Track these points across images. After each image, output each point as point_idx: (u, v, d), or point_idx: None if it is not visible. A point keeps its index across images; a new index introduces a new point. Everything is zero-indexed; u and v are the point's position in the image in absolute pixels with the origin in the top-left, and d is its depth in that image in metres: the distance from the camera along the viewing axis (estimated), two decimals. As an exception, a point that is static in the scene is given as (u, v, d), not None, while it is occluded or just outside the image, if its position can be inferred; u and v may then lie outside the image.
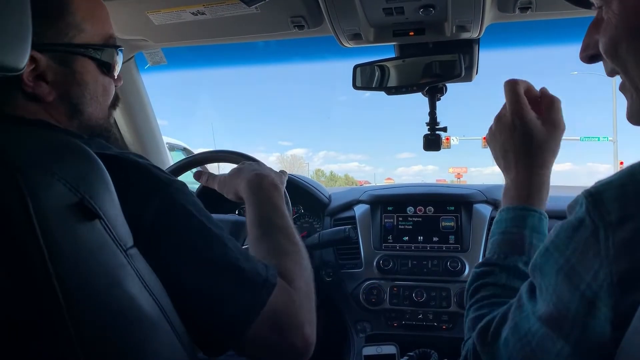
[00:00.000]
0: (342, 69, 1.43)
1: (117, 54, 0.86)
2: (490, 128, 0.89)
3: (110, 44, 0.84)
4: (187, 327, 0.70)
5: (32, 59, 0.73)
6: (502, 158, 0.87)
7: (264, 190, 1.00)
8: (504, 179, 0.88)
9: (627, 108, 0.63)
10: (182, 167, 1.54)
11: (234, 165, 1.56)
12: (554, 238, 0.58)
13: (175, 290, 0.70)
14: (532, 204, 0.83)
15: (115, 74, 0.87)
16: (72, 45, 0.78)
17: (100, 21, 0.82)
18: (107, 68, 0.84)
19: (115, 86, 0.89)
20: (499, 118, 0.87)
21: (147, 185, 0.71)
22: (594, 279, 0.51)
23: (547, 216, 0.83)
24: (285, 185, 1.12)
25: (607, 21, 0.60)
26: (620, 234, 0.49)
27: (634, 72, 0.59)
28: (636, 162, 0.52)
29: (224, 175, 1.12)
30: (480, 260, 0.84)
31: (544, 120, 0.84)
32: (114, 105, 0.90)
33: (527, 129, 0.82)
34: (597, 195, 0.52)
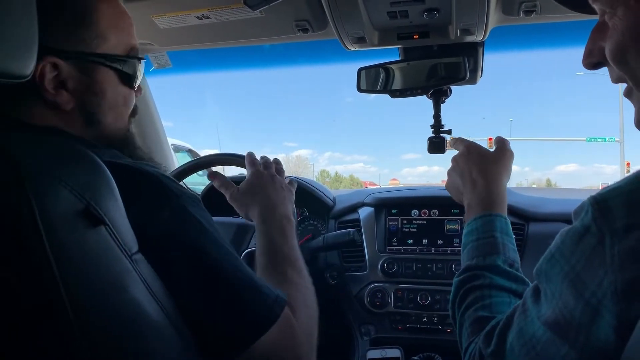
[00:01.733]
0: (348, 70, 1.43)
1: (139, 65, 0.85)
2: (448, 172, 1.04)
3: (132, 56, 0.83)
4: (193, 332, 0.70)
5: (55, 66, 0.73)
6: (461, 180, 0.99)
7: (276, 221, 1.00)
8: (465, 201, 0.98)
9: (635, 115, 0.62)
10: (187, 169, 1.55)
11: (240, 169, 1.56)
12: (559, 244, 0.58)
13: (183, 298, 0.69)
14: (496, 210, 0.90)
15: (136, 85, 0.86)
16: (95, 54, 0.77)
17: (124, 31, 0.82)
18: (128, 79, 0.83)
19: (136, 97, 0.88)
20: (454, 159, 1.02)
21: (157, 195, 0.71)
22: (599, 286, 0.51)
23: (508, 220, 0.91)
24: (294, 194, 1.13)
25: (613, 27, 0.58)
26: (627, 243, 0.49)
27: None
28: None
29: (237, 189, 1.11)
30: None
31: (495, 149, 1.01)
32: (133, 114, 0.89)
33: (482, 150, 1.00)
34: (603, 203, 0.52)
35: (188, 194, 0.74)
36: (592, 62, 0.64)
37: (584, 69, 0.67)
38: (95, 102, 0.79)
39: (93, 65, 0.78)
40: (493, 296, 0.78)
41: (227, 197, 1.11)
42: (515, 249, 0.88)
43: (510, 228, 0.90)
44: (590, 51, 0.64)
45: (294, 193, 1.14)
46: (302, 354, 0.77)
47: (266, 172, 1.11)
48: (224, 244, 0.74)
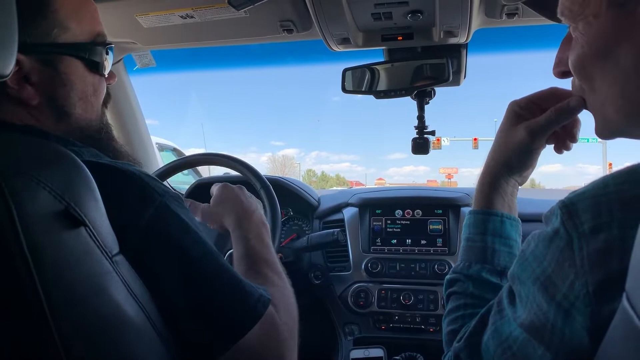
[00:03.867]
0: (335, 70, 1.44)
1: (107, 52, 0.83)
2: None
3: (98, 42, 0.81)
4: (175, 333, 0.70)
5: (16, 61, 0.72)
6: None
7: (252, 226, 1.00)
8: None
9: (595, 125, 0.65)
10: (172, 169, 1.54)
11: (225, 169, 1.56)
12: (533, 248, 0.59)
13: (166, 298, 0.69)
14: (492, 207, 0.80)
15: (106, 72, 0.84)
16: (56, 45, 0.75)
17: (87, 19, 0.80)
18: (95, 67, 0.81)
19: (108, 84, 0.87)
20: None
21: (140, 195, 0.70)
22: (571, 289, 0.52)
23: (511, 217, 0.80)
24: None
25: (575, 40, 0.62)
26: (594, 244, 0.50)
27: (600, 90, 0.61)
28: (609, 173, 0.53)
29: (207, 205, 1.11)
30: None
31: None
32: (105, 103, 0.88)
33: (508, 138, 0.78)
34: (571, 206, 0.53)
35: (171, 193, 0.74)
36: (561, 70, 0.68)
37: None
38: (63, 94, 0.78)
39: (57, 56, 0.76)
40: (475, 306, 0.76)
41: (199, 216, 1.11)
42: (512, 250, 0.79)
43: (510, 227, 0.80)
44: (559, 60, 0.68)
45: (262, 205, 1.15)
46: (285, 352, 0.77)
47: (232, 185, 1.12)
48: (208, 244, 0.74)
